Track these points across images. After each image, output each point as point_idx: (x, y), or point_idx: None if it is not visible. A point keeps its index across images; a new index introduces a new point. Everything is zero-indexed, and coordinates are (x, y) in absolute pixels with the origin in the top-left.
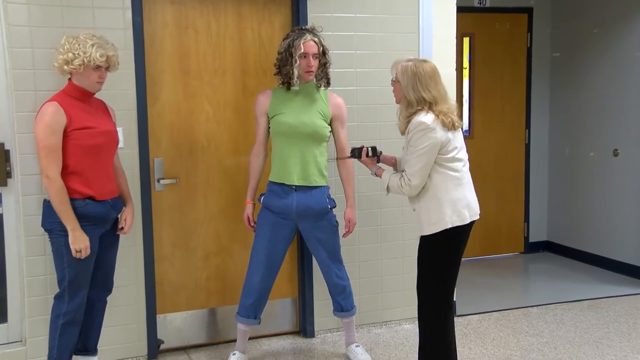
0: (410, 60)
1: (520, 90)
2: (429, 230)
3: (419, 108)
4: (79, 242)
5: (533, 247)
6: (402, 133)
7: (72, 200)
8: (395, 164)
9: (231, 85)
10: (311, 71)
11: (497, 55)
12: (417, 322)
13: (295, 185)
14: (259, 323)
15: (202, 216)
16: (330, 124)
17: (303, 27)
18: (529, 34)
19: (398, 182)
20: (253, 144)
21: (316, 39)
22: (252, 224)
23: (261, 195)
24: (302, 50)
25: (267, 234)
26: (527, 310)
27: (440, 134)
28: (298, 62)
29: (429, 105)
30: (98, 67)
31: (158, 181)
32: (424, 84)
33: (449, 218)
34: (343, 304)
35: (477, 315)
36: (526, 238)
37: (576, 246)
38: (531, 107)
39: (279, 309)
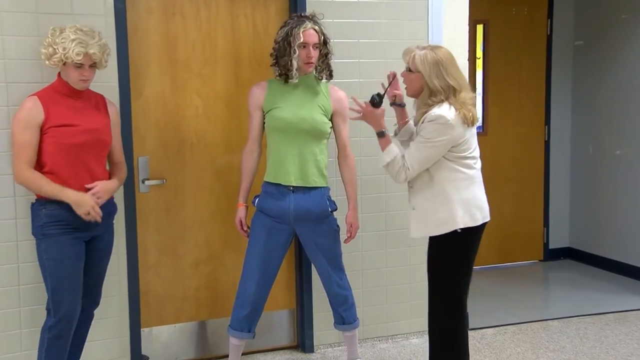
0: (423, 47)
1: (539, 82)
2: (437, 231)
3: (443, 98)
4: (82, 206)
5: (553, 254)
6: (416, 124)
7: (46, 202)
8: (402, 127)
9: (223, 77)
10: (311, 62)
11: (513, 44)
12: (426, 335)
13: (293, 186)
14: (254, 337)
15: (191, 220)
16: (331, 120)
17: (302, 14)
18: (549, 20)
19: (400, 166)
20: (246, 141)
21: (317, 28)
22: (245, 228)
23: (255, 197)
24: (302, 40)
25: (262, 239)
26: (547, 323)
27: (459, 130)
28: (297, 52)
29: (454, 92)
30: (80, 65)
31: (143, 182)
32: (447, 71)
33: (460, 218)
34: (345, 315)
35: (492, 328)
36: (546, 244)
37: (601, 253)
38: (551, 101)
39: (276, 321)
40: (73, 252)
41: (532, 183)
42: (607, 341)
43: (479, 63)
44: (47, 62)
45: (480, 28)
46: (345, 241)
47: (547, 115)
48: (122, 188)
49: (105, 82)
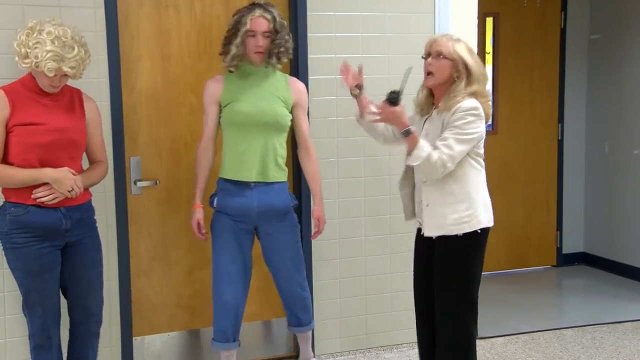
0: (445, 35)
1: (553, 78)
2: (457, 230)
3: (476, 85)
4: (63, 181)
5: (567, 260)
6: (443, 111)
7: (12, 206)
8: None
9: (218, 71)
10: (260, 52)
11: (525, 38)
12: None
13: (253, 182)
14: (239, 345)
15: (185, 224)
16: (290, 112)
17: (255, 2)
18: (563, 12)
19: (437, 158)
20: (199, 137)
21: (267, 15)
22: (204, 231)
23: (211, 197)
24: (248, 27)
25: (229, 241)
26: (560, 332)
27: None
28: (239, 39)
29: (486, 81)
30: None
31: (135, 183)
32: (478, 57)
33: (484, 217)
34: (303, 318)
35: (503, 337)
36: (559, 249)
37: (617, 258)
38: (565, 98)
39: (274, 330)
40: (41, 264)
41: (544, 184)
42: (624, 352)
43: (489, 58)
44: (16, 58)
45: (489, 21)
46: (313, 236)
47: (561, 113)
48: (113, 190)
49: (95, 78)
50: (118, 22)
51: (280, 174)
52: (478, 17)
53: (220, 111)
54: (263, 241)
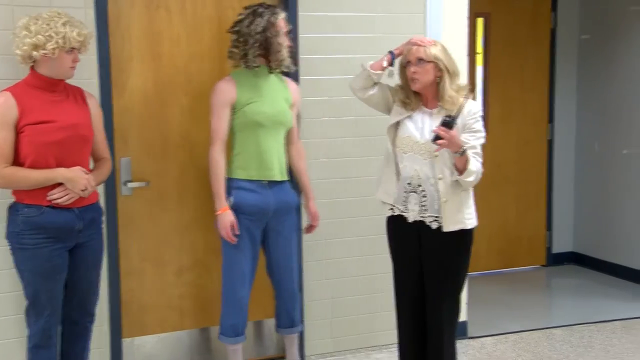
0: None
1: (543, 78)
2: (469, 224)
3: (458, 81)
4: (77, 181)
5: (557, 259)
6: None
7: (25, 207)
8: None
9: (209, 73)
10: (290, 51)
11: (516, 38)
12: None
13: (268, 181)
14: (245, 338)
15: (175, 225)
16: None
17: (266, 4)
18: (553, 12)
19: (479, 167)
20: (211, 142)
21: (285, 17)
22: (237, 232)
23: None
24: (285, 29)
25: (247, 241)
26: (549, 332)
27: None
28: (287, 41)
29: (457, 76)
30: (72, 50)
31: (125, 184)
32: (452, 57)
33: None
34: (296, 317)
35: (492, 337)
36: (549, 249)
37: (607, 258)
38: (555, 98)
39: (265, 330)
40: (52, 265)
41: (535, 184)
42: (613, 350)
43: (479, 58)
44: (34, 52)
45: (480, 21)
46: (309, 231)
47: (551, 113)
48: (103, 191)
49: (86, 79)
50: (109, 22)
51: (287, 172)
52: (469, 17)
53: (233, 112)
54: (270, 238)
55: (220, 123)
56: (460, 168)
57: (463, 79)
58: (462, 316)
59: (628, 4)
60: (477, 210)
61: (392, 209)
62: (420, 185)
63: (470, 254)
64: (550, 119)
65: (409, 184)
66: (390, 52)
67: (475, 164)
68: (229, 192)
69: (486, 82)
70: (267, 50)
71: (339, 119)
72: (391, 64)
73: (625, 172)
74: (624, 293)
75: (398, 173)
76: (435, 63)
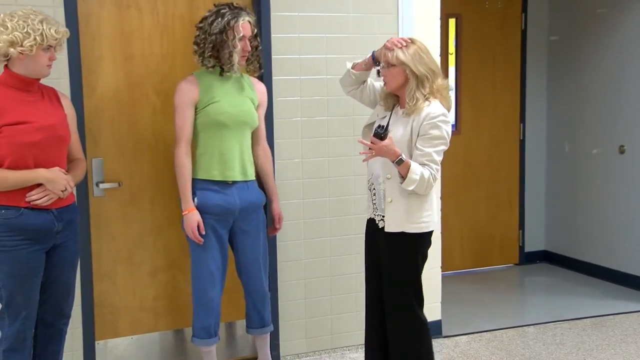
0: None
1: (514, 78)
2: (417, 229)
3: (429, 86)
4: (57, 181)
5: (529, 258)
6: (411, 114)
7: (2, 209)
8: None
9: (182, 72)
10: (246, 56)
11: (487, 39)
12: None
13: (232, 180)
14: (219, 340)
15: (148, 226)
16: None
17: (234, 5)
18: (523, 14)
19: (429, 175)
20: (176, 142)
21: (251, 20)
22: (203, 232)
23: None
24: (242, 34)
25: (211, 241)
26: (522, 329)
27: None
28: (239, 46)
29: (434, 77)
30: (48, 47)
31: (97, 185)
32: (429, 56)
33: (436, 219)
34: (266, 317)
35: (466, 335)
36: (521, 247)
37: (578, 256)
38: (526, 98)
39: (238, 331)
40: (30, 268)
41: (507, 184)
42: (584, 347)
43: (452, 58)
44: (10, 49)
45: (452, 22)
46: (272, 232)
47: (522, 113)
48: (75, 192)
49: (55, 79)
50: (79, 21)
51: (253, 172)
52: (441, 18)
53: (195, 112)
54: (237, 237)
55: (184, 122)
56: (403, 175)
57: (442, 78)
58: (436, 315)
59: (595, 7)
60: (449, 210)
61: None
62: (372, 184)
63: (420, 260)
64: (522, 119)
65: (369, 181)
66: (372, 53)
67: (417, 172)
68: (193, 193)
69: (458, 82)
70: (218, 52)
71: (312, 118)
72: (376, 64)
73: (595, 171)
74: (595, 291)
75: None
76: (401, 66)
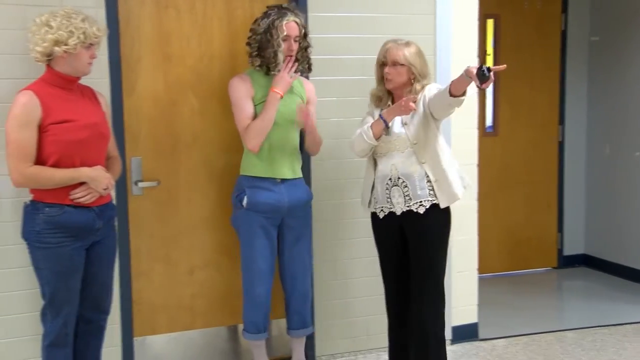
0: (399, 41)
1: (553, 80)
2: (462, 193)
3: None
4: (100, 180)
5: (568, 262)
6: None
7: (46, 206)
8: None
9: (219, 72)
10: (292, 55)
11: (526, 40)
12: None
13: (281, 178)
14: (268, 336)
15: (185, 224)
16: None
17: (283, 6)
18: (563, 14)
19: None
20: (240, 133)
21: (298, 20)
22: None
23: (239, 194)
24: (285, 33)
25: (261, 240)
26: (561, 334)
27: None
28: (282, 45)
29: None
30: (90, 45)
31: (136, 184)
32: (425, 58)
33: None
34: (307, 317)
35: (504, 339)
36: (560, 251)
37: (618, 260)
38: (565, 100)
39: (274, 330)
40: (73, 264)
41: (545, 186)
42: (625, 354)
43: (489, 59)
44: (55, 48)
45: (490, 23)
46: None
47: (562, 115)
48: (113, 191)
49: (96, 79)
50: (119, 22)
51: (300, 170)
52: (479, 19)
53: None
54: (286, 236)
55: (245, 114)
56: (465, 91)
57: (430, 79)
58: (473, 318)
59: (637, 6)
60: (486, 211)
61: (381, 210)
62: (399, 178)
63: (448, 235)
64: (561, 121)
65: (390, 179)
66: (380, 116)
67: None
68: (243, 191)
69: (496, 83)
70: (264, 51)
71: (349, 119)
72: (387, 126)
73: (637, 174)
74: (636, 296)
75: (376, 176)
76: (408, 66)
